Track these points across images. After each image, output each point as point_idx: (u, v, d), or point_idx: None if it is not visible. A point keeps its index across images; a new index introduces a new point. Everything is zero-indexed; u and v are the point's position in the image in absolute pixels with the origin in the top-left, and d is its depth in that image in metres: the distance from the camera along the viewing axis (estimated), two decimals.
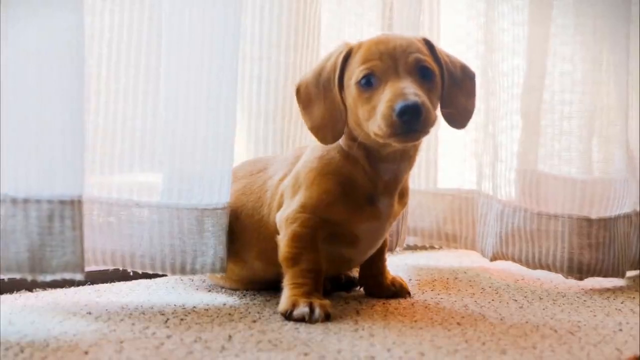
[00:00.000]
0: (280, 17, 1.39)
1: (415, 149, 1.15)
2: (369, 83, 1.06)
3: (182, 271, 1.17)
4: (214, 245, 1.17)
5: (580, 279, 1.43)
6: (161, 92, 1.17)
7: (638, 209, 1.52)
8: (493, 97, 1.51)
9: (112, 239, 1.16)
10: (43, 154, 1.00)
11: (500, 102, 1.50)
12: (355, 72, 1.07)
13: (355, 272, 1.32)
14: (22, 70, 0.99)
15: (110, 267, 1.18)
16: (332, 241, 1.14)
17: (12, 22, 0.98)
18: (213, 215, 1.17)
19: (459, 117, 1.14)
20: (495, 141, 1.50)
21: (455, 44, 1.63)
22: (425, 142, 1.60)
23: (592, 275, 1.42)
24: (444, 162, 1.68)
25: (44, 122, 1.00)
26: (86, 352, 0.89)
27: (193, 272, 1.17)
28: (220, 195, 1.17)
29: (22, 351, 0.88)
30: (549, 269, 1.44)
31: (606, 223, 1.42)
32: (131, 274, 1.23)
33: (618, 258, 1.44)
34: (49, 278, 1.01)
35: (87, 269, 1.27)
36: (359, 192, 1.12)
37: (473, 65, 1.56)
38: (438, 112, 1.11)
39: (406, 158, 1.14)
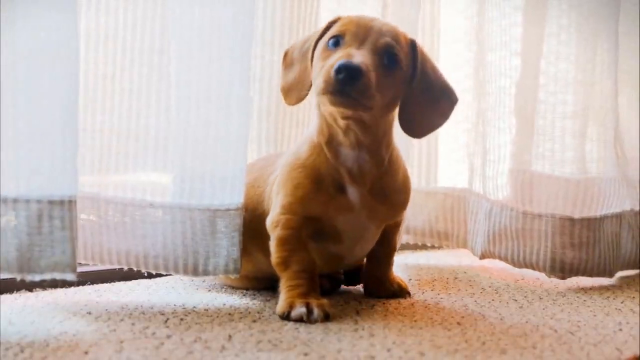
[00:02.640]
0: (274, 15, 1.39)
1: (373, 138, 1.12)
2: (336, 43, 1.08)
3: (195, 272, 1.17)
4: (226, 247, 1.17)
5: (563, 278, 1.43)
6: (173, 90, 1.17)
7: (637, 209, 1.52)
8: (484, 98, 1.51)
9: (126, 238, 1.16)
10: (33, 154, 1.00)
11: (493, 102, 1.50)
12: (329, 33, 1.10)
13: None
14: (12, 70, 0.99)
15: (125, 267, 1.19)
16: (318, 238, 1.14)
17: (6, 22, 0.98)
18: (225, 216, 1.16)
19: (417, 127, 1.15)
20: (485, 140, 1.50)
21: (454, 43, 1.63)
22: (418, 141, 1.61)
23: (576, 274, 1.42)
24: (440, 161, 1.67)
25: (35, 122, 1.00)
26: (86, 352, 0.89)
27: (206, 273, 1.17)
28: (233, 195, 1.17)
29: (22, 351, 0.88)
30: (533, 268, 1.44)
31: (590, 223, 1.42)
32: (145, 273, 1.23)
33: (604, 258, 1.44)
34: (37, 278, 1.00)
35: (90, 268, 1.28)
36: (327, 181, 1.12)
37: (471, 65, 1.58)
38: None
39: (363, 147, 1.12)
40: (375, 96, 1.04)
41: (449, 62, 1.62)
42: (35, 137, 1.00)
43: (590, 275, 1.43)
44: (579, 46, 1.46)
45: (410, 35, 1.15)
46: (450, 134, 1.65)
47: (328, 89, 1.02)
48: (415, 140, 1.60)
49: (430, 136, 1.61)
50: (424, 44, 1.57)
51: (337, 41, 1.08)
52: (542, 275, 1.49)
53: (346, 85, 1.01)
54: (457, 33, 1.62)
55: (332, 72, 1.01)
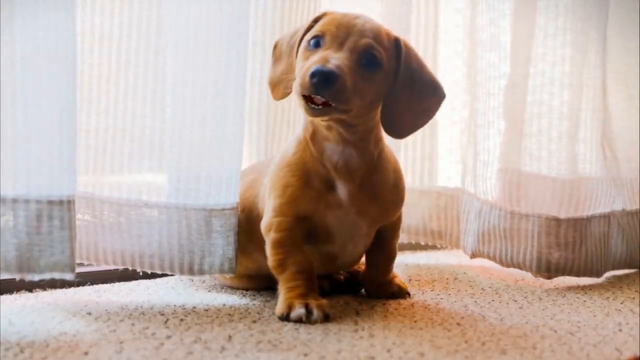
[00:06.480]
0: (265, 15, 1.39)
1: (359, 135, 1.12)
2: (317, 44, 1.08)
3: (191, 271, 1.18)
4: (222, 246, 1.17)
5: (549, 277, 1.43)
6: (168, 91, 1.17)
7: (628, 209, 1.53)
8: (477, 100, 1.51)
9: (122, 238, 1.17)
10: (32, 154, 1.00)
11: (487, 103, 1.50)
12: (311, 31, 1.10)
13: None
14: (11, 70, 0.99)
15: (121, 267, 1.19)
16: (310, 239, 1.14)
17: (5, 22, 0.98)
18: (221, 216, 1.17)
19: (399, 126, 1.14)
20: (477, 140, 1.51)
21: (453, 43, 1.62)
22: (413, 140, 1.61)
23: (562, 274, 1.43)
24: (439, 161, 1.67)
25: (33, 122, 1.00)
26: (86, 353, 0.89)
27: (201, 272, 1.18)
28: (228, 195, 1.17)
29: (22, 351, 0.88)
30: (520, 268, 1.44)
31: (576, 223, 1.43)
32: (141, 273, 1.23)
33: (592, 258, 1.44)
34: (37, 278, 1.01)
35: (90, 269, 1.28)
36: (314, 178, 1.12)
37: (468, 65, 1.57)
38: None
39: (349, 143, 1.12)
40: (352, 99, 1.04)
41: (449, 62, 1.63)
42: (34, 137, 1.00)
43: (577, 275, 1.44)
44: (568, 47, 1.46)
45: (401, 33, 1.15)
46: (447, 134, 1.66)
47: (303, 93, 1.03)
48: (410, 139, 1.60)
49: (427, 135, 1.62)
50: (421, 43, 1.57)
51: (317, 42, 1.08)
52: None
53: (320, 89, 1.01)
54: (457, 33, 1.62)
55: (307, 77, 1.01)
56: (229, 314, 1.10)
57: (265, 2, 1.39)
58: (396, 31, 1.20)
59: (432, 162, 1.64)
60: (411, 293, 1.27)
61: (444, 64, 1.62)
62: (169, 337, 0.97)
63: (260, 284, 1.27)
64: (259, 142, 1.42)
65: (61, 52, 1.01)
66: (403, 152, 1.58)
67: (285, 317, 1.07)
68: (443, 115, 1.63)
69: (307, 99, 1.03)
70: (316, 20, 1.12)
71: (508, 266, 1.46)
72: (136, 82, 1.18)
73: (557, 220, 1.42)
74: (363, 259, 1.27)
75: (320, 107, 1.03)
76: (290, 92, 1.11)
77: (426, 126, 1.55)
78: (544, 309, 1.20)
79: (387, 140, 1.18)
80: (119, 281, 1.31)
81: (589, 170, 1.50)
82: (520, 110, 1.48)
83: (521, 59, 1.48)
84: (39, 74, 1.00)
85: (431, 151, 1.63)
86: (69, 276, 1.02)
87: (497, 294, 1.32)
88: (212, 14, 1.15)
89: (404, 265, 1.58)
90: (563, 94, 1.47)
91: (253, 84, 1.39)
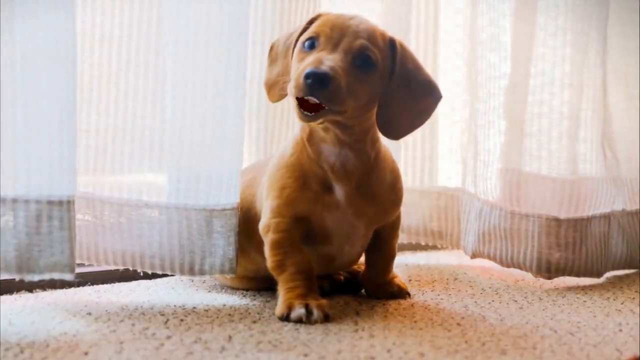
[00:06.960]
0: (265, 15, 1.39)
1: (355, 136, 1.12)
2: (311, 46, 1.08)
3: (191, 272, 1.18)
4: (222, 246, 1.17)
5: (549, 278, 1.44)
6: (168, 91, 1.17)
7: (628, 209, 1.53)
8: (477, 100, 1.51)
9: (122, 238, 1.17)
10: (32, 154, 1.00)
11: (484, 103, 1.50)
12: (306, 33, 1.10)
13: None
14: (11, 70, 0.99)
15: (121, 267, 1.19)
16: (307, 240, 1.14)
17: (5, 22, 0.98)
18: (221, 216, 1.17)
19: (395, 127, 1.13)
20: (478, 139, 1.51)
21: (453, 43, 1.62)
22: (411, 140, 1.61)
23: (562, 274, 1.43)
24: (439, 161, 1.67)
25: (33, 122, 1.00)
26: (86, 353, 0.89)
27: (202, 272, 1.18)
28: (229, 195, 1.18)
29: (22, 352, 0.88)
30: (520, 268, 1.45)
31: (576, 223, 1.43)
32: (141, 273, 1.23)
33: (592, 258, 1.44)
34: (36, 278, 1.01)
35: (90, 269, 1.28)
36: (312, 179, 1.12)
37: (468, 65, 1.57)
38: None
39: (345, 144, 1.12)
40: (347, 100, 1.04)
41: (449, 62, 1.63)
42: (34, 137, 1.00)
43: (577, 275, 1.44)
44: (569, 47, 1.46)
45: (401, 33, 1.14)
46: (448, 134, 1.66)
47: (298, 95, 1.03)
48: (410, 139, 1.60)
49: (427, 135, 1.61)
50: (421, 44, 1.57)
51: (312, 43, 1.08)
52: None
53: (314, 91, 1.01)
54: (457, 33, 1.62)
55: (301, 78, 1.01)
56: (229, 314, 1.10)
57: (265, 2, 1.39)
58: (396, 31, 1.20)
59: (432, 162, 1.64)
60: (411, 293, 1.27)
61: (444, 64, 1.62)
62: (169, 337, 0.97)
63: (261, 284, 1.27)
64: (258, 142, 1.42)
65: (61, 52, 1.02)
66: (403, 152, 1.58)
67: (285, 318, 1.07)
68: (443, 115, 1.64)
69: (302, 101, 1.03)
70: (311, 22, 1.12)
71: (508, 266, 1.46)
72: (136, 82, 1.18)
73: (558, 220, 1.42)
74: (363, 259, 1.27)
75: (312, 114, 1.03)
76: (286, 94, 1.11)
77: (426, 126, 1.55)
78: (544, 309, 1.20)
79: (387, 140, 1.18)
80: (119, 281, 1.31)
81: (589, 170, 1.50)
82: (520, 110, 1.48)
83: (522, 58, 1.48)
84: (39, 74, 1.00)
85: (431, 151, 1.63)
86: (68, 276, 1.02)
87: (497, 294, 1.32)
88: (212, 14, 1.15)
89: (404, 265, 1.58)
90: (563, 94, 1.47)
91: (253, 84, 1.39)
